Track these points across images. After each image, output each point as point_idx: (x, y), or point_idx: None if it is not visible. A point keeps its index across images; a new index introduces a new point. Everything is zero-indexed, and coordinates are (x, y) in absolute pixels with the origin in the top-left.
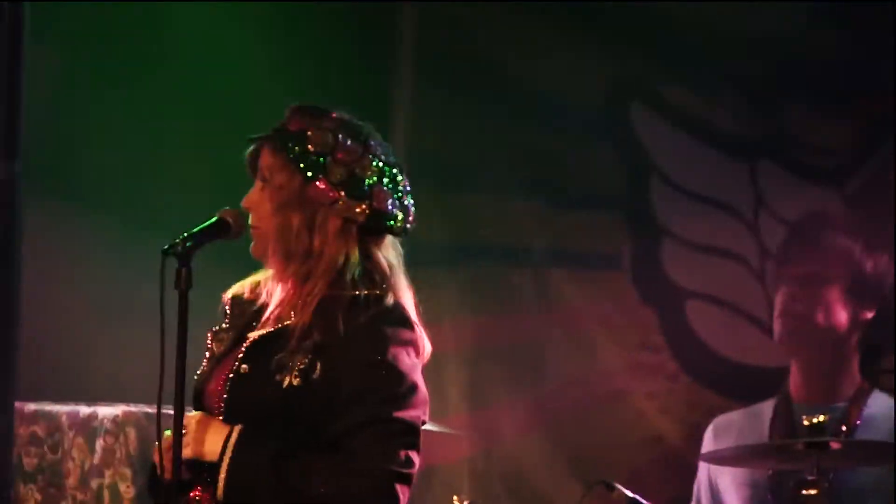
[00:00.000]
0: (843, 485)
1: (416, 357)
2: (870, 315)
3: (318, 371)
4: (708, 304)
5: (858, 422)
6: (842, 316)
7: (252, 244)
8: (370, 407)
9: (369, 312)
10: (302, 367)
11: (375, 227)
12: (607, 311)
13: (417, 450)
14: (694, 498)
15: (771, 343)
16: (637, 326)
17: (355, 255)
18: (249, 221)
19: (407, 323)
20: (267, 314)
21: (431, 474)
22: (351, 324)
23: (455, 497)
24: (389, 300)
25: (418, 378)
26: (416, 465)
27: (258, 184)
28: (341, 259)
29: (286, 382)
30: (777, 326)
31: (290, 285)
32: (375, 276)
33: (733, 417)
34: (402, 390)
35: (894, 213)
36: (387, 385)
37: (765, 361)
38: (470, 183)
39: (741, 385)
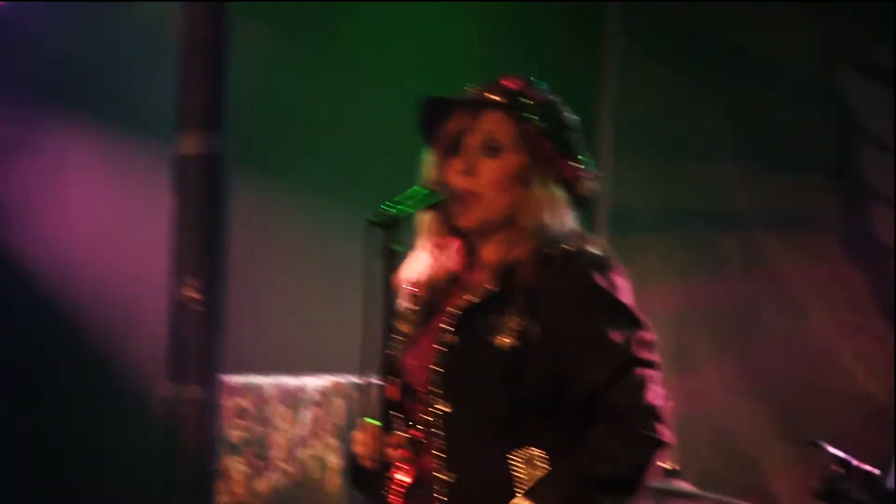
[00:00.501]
0: None
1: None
2: None
3: (537, 329)
4: None
5: None
6: None
7: (464, 212)
8: (618, 352)
9: (582, 262)
10: (518, 328)
11: (584, 201)
12: (815, 272)
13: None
14: None
15: None
16: (845, 287)
17: (568, 223)
18: (462, 188)
19: (621, 270)
20: (465, 284)
21: None
22: (567, 275)
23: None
24: (598, 250)
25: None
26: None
27: (475, 149)
28: (556, 227)
29: (504, 345)
30: None
31: (495, 253)
32: (579, 237)
33: None
34: (642, 330)
35: None
36: (626, 326)
37: None
38: (678, 149)
39: None
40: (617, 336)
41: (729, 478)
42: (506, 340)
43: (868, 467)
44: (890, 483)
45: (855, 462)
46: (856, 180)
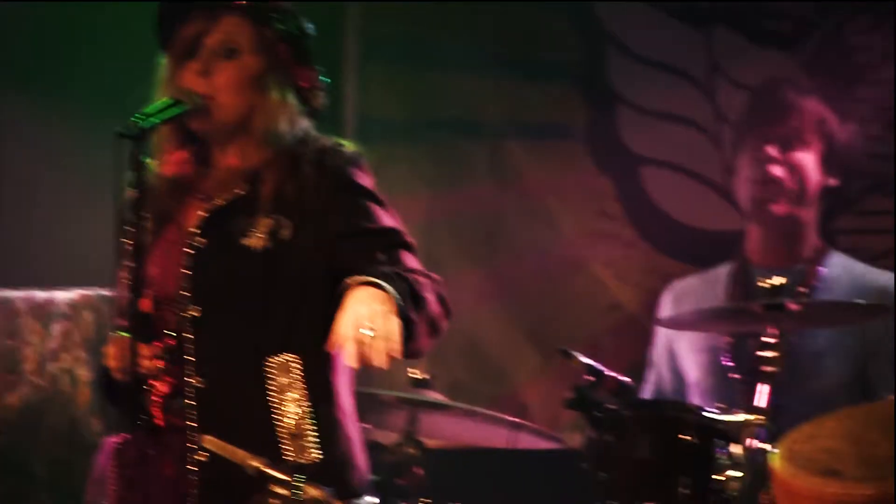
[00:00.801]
0: (801, 348)
1: None
2: (834, 182)
3: (290, 229)
4: (664, 170)
5: (816, 283)
6: (814, 180)
7: (199, 115)
8: (393, 234)
9: (339, 158)
10: (270, 229)
11: (316, 113)
12: (563, 180)
13: None
14: (651, 364)
15: (727, 207)
16: (593, 195)
17: (305, 129)
18: (198, 90)
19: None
20: (205, 190)
21: None
22: (325, 172)
23: (412, 370)
24: (349, 147)
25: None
26: None
27: (212, 51)
28: (295, 133)
29: (256, 246)
30: (747, 192)
31: (233, 159)
32: (316, 138)
33: (690, 282)
34: (396, 223)
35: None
36: (391, 217)
37: (721, 225)
38: (426, 60)
39: (698, 250)
40: (387, 221)
41: (479, 387)
42: (257, 242)
43: (619, 376)
44: (642, 391)
45: (606, 370)
46: (603, 88)
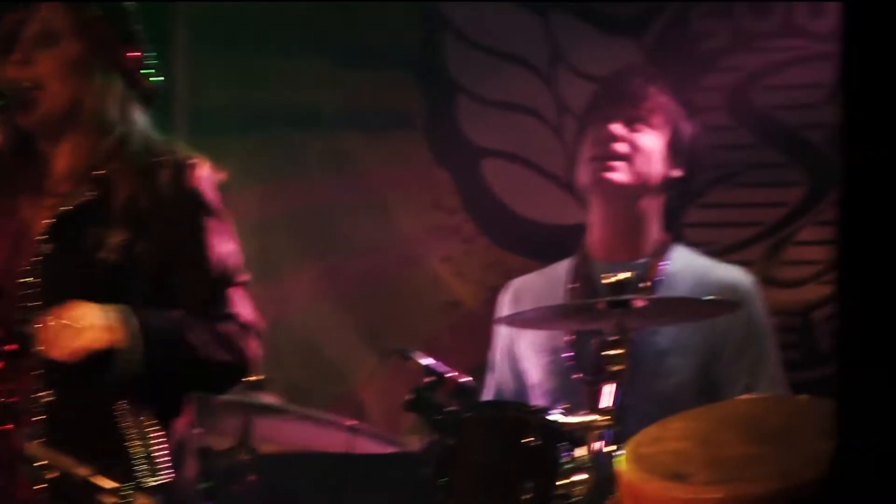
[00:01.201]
0: (644, 346)
1: None
2: (678, 174)
3: (144, 244)
4: (504, 161)
5: (659, 278)
6: (658, 167)
7: (25, 109)
8: (217, 271)
9: (190, 175)
10: (121, 243)
11: (149, 100)
12: (401, 172)
13: None
14: (491, 365)
15: (570, 201)
16: (432, 188)
17: (138, 120)
18: (19, 79)
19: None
20: (47, 186)
21: None
22: (178, 189)
23: None
24: (196, 161)
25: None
26: None
27: (32, 39)
28: (126, 124)
29: (106, 260)
30: (587, 171)
31: (71, 154)
32: (161, 144)
33: (530, 279)
34: (234, 255)
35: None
36: (227, 244)
37: (564, 219)
38: (257, 45)
39: (540, 245)
40: (225, 250)
41: (316, 389)
42: (108, 255)
43: (460, 376)
44: (483, 394)
45: (446, 371)
46: (442, 77)
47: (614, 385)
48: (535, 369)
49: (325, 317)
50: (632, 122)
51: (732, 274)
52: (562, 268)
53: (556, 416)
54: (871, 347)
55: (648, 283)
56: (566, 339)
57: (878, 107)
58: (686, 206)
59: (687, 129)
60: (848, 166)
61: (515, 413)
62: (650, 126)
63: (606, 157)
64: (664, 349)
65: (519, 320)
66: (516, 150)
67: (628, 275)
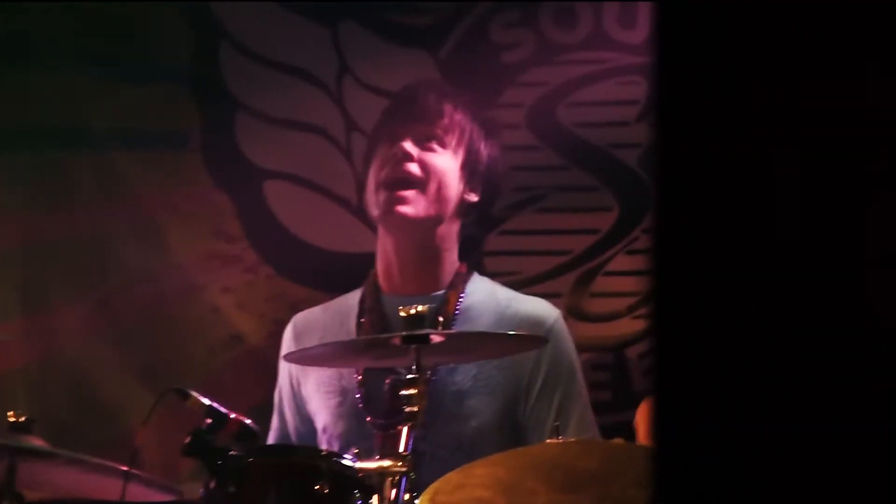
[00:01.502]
0: (441, 387)
1: None
2: (475, 199)
3: None
4: (289, 184)
5: (457, 311)
6: (454, 189)
7: None
8: None
9: None
10: None
11: None
12: (177, 196)
13: None
14: (276, 407)
15: (360, 226)
16: (210, 213)
17: None
18: None
19: None
20: None
21: None
22: None
23: (10, 413)
24: None
25: None
26: None
27: None
28: None
29: None
30: (376, 200)
31: None
32: None
33: (315, 313)
34: None
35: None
36: None
37: (354, 247)
38: (18, 56)
39: (329, 275)
40: None
41: (88, 431)
42: None
43: (242, 417)
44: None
45: (227, 412)
46: (219, 92)
47: (409, 428)
48: (323, 412)
49: (98, 352)
50: (424, 141)
51: (537, 306)
52: (350, 300)
53: (347, 461)
54: (690, 388)
55: (446, 318)
56: (356, 378)
57: (694, 124)
58: (485, 232)
59: (484, 149)
60: (661, 190)
61: (304, 458)
62: (443, 145)
63: (396, 180)
64: (464, 389)
65: (306, 357)
66: (302, 172)
67: (426, 307)
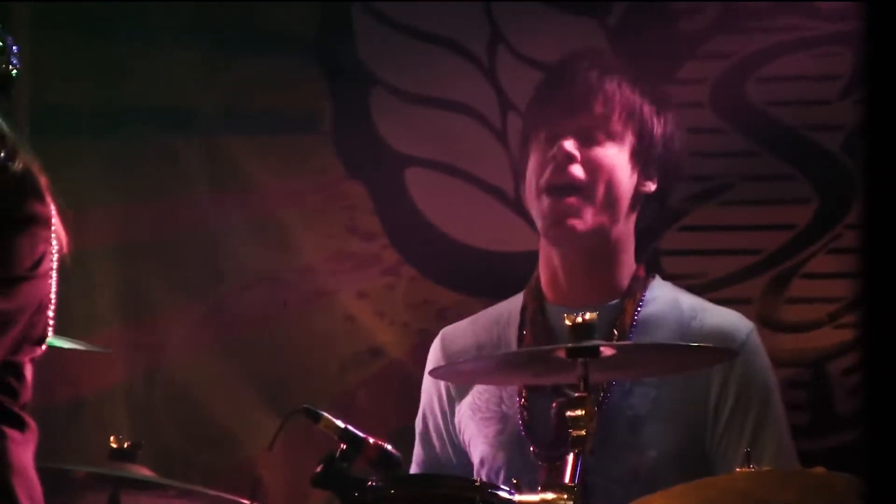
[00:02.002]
0: (614, 412)
1: (45, 242)
2: (652, 187)
3: None
4: (434, 172)
5: (635, 322)
6: (626, 185)
7: None
8: None
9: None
10: None
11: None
12: (302, 187)
13: None
14: (419, 435)
15: (518, 221)
16: (342, 206)
17: None
18: None
19: (39, 194)
20: None
21: (78, 406)
22: None
23: (112, 437)
24: (18, 165)
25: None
26: None
27: None
28: None
29: None
30: (538, 208)
31: None
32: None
33: (464, 326)
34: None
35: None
36: None
37: (511, 245)
38: (113, 28)
39: (483, 278)
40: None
41: (201, 458)
42: None
43: (382, 443)
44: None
45: (364, 436)
46: (352, 66)
47: (576, 455)
48: (480, 441)
49: (212, 368)
50: (587, 136)
51: (727, 318)
52: (507, 309)
53: (504, 493)
54: None
55: (622, 330)
56: (518, 401)
57: None
58: (663, 228)
59: (658, 127)
60: (871, 179)
61: (454, 490)
62: (610, 135)
63: (560, 186)
64: (641, 415)
65: (456, 373)
66: (449, 159)
67: (595, 314)
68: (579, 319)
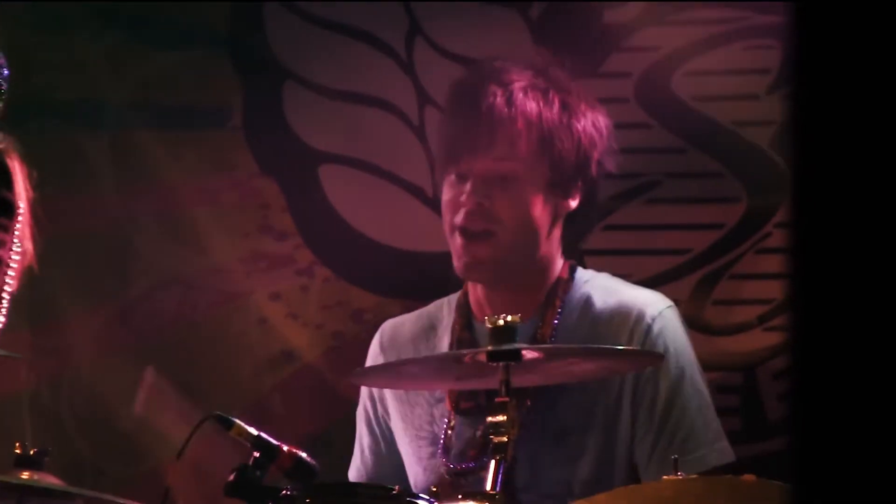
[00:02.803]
0: (544, 424)
1: (6, 230)
2: (574, 204)
3: None
4: (350, 168)
5: (555, 329)
6: (544, 216)
7: None
8: None
9: None
10: None
11: None
12: (214, 184)
13: None
14: (357, 437)
15: (436, 220)
16: (255, 204)
17: None
18: None
19: (6, 181)
20: None
21: None
22: None
23: (17, 443)
24: None
25: None
26: None
27: None
28: None
29: None
30: (455, 245)
31: None
32: None
33: (405, 324)
34: None
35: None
36: None
37: (430, 244)
38: (16, 15)
39: (401, 278)
40: None
41: (109, 466)
42: None
43: (296, 450)
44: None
45: (277, 442)
46: (264, 59)
47: (497, 462)
48: (412, 461)
49: (120, 373)
50: (495, 174)
51: (639, 296)
52: (441, 312)
53: (422, 502)
54: (835, 413)
55: (542, 331)
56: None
57: (841, 96)
58: (589, 230)
59: (571, 144)
60: (800, 176)
61: (370, 499)
62: (519, 172)
63: (467, 231)
64: (567, 425)
65: (372, 378)
66: (365, 155)
67: (517, 317)
68: (500, 322)
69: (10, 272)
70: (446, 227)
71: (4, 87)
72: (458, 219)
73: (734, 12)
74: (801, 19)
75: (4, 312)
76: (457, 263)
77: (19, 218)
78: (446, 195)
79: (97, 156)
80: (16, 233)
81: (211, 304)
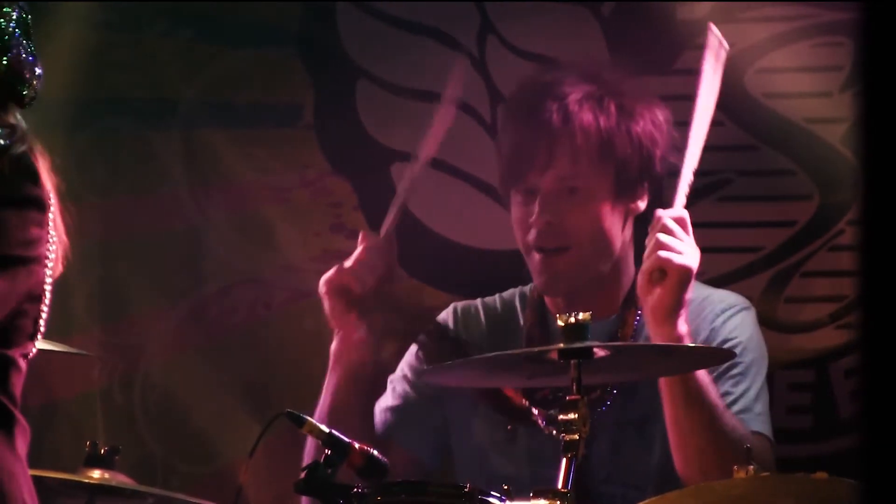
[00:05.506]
0: (621, 416)
1: (39, 226)
2: (643, 205)
3: None
4: (424, 168)
5: (635, 329)
6: (616, 222)
7: None
8: None
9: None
10: None
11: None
12: (285, 182)
13: None
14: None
15: (508, 217)
16: (327, 203)
17: None
18: None
19: (36, 178)
20: None
21: (53, 410)
22: None
23: (88, 442)
24: (19, 148)
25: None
26: None
27: None
28: None
29: None
30: (533, 262)
31: None
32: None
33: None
34: None
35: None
36: None
37: (503, 244)
38: (90, 15)
39: (476, 277)
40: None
41: (180, 465)
42: None
43: (369, 448)
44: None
45: (348, 440)
46: (336, 57)
47: (568, 460)
48: (470, 439)
49: (191, 371)
50: (561, 190)
51: (725, 298)
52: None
53: (495, 500)
54: None
55: (622, 333)
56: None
57: None
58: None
59: (633, 146)
60: (872, 174)
61: (442, 497)
62: (585, 185)
63: (547, 250)
64: (646, 415)
65: (444, 376)
66: (439, 154)
67: (588, 314)
68: (572, 320)
69: (48, 264)
70: (520, 245)
71: (38, 85)
72: (531, 238)
73: (804, 9)
74: (871, 17)
75: (47, 302)
76: (537, 280)
77: (52, 210)
78: (516, 213)
79: (169, 155)
80: (50, 224)
81: (283, 303)
